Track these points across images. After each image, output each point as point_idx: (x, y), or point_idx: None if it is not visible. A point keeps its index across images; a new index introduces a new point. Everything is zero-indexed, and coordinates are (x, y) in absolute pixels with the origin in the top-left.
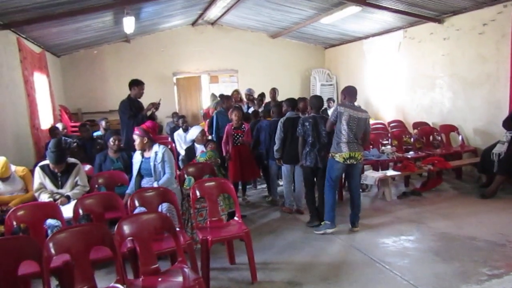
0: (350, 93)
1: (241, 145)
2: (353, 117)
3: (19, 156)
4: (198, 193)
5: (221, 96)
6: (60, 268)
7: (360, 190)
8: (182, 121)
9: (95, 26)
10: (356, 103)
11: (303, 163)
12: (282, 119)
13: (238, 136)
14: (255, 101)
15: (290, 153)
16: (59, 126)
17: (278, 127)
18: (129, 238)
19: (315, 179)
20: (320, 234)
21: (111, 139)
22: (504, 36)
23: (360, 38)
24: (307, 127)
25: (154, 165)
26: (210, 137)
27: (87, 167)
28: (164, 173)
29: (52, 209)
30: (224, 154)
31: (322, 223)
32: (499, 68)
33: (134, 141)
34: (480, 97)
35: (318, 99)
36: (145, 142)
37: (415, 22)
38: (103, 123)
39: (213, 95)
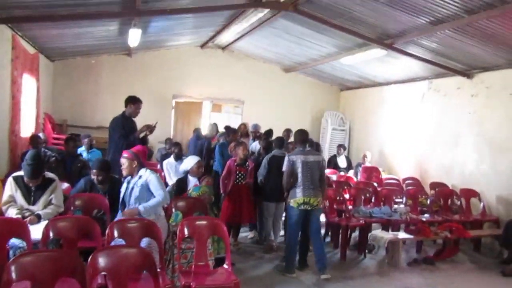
0: (301, 139)
1: (242, 184)
2: (305, 163)
3: None
4: (186, 231)
5: (227, 128)
6: None
7: (366, 251)
8: (177, 150)
9: (98, 34)
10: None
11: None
12: (268, 156)
13: (240, 174)
14: (262, 138)
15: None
16: (41, 136)
17: (263, 164)
18: (102, 273)
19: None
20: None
21: (92, 172)
22: None
23: (380, 84)
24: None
25: (133, 187)
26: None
27: (65, 185)
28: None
29: (19, 227)
30: (221, 191)
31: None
32: None
33: (120, 163)
34: (507, 163)
35: (301, 133)
36: (134, 166)
37: (441, 74)
38: (85, 141)
39: (215, 125)
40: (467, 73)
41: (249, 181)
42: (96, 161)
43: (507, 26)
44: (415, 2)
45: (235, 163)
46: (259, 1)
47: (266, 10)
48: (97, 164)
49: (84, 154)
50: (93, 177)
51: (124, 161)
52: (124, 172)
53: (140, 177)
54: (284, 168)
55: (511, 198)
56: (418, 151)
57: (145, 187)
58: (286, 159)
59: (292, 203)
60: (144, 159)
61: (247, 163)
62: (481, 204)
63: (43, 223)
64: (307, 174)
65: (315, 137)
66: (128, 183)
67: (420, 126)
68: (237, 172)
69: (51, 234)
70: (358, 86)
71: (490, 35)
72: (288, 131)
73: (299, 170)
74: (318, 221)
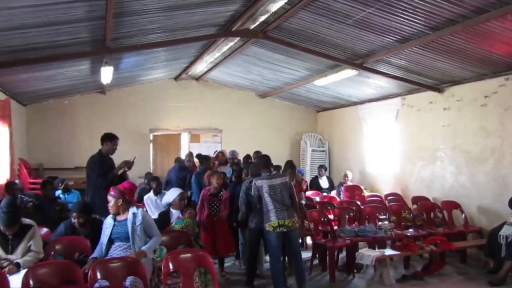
0: (263, 164)
1: (216, 216)
2: (272, 186)
3: None
4: (171, 265)
5: (199, 156)
6: None
7: (355, 271)
8: (156, 184)
9: (69, 74)
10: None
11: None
12: (246, 183)
13: (214, 204)
14: (240, 164)
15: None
16: (17, 182)
17: (242, 192)
18: None
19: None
20: None
21: (73, 216)
22: (507, 109)
23: (355, 103)
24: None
25: (133, 227)
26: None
27: (44, 230)
28: (143, 239)
29: None
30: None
31: None
32: (503, 143)
33: (99, 203)
34: (484, 173)
35: (263, 158)
36: (119, 204)
37: (413, 90)
38: (59, 184)
39: (191, 154)
40: (437, 88)
41: (223, 215)
42: (76, 204)
43: (470, 40)
44: (381, 22)
45: (209, 193)
46: (229, 30)
47: (237, 39)
48: (77, 207)
49: (62, 197)
50: (74, 220)
51: (110, 199)
52: (111, 211)
53: (134, 215)
54: (252, 192)
55: (492, 208)
56: (397, 167)
57: (141, 225)
58: (253, 183)
59: (268, 227)
60: (132, 196)
61: (221, 193)
62: (463, 216)
63: (23, 272)
64: (277, 197)
65: (295, 159)
66: (115, 220)
67: (398, 142)
68: (211, 203)
69: (31, 283)
70: (334, 107)
71: (456, 49)
72: (257, 153)
73: (266, 194)
74: (297, 241)
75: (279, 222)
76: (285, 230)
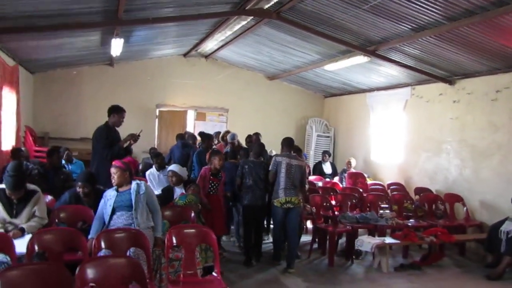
0: (287, 144)
1: (214, 195)
2: (289, 165)
3: None
4: (174, 240)
5: (201, 134)
6: None
7: (354, 257)
8: (159, 160)
9: (79, 44)
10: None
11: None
12: (241, 161)
13: (213, 184)
14: (241, 145)
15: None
16: (23, 149)
17: (240, 167)
18: (90, 285)
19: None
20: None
21: (78, 185)
22: None
23: (364, 91)
24: (246, 170)
25: (136, 195)
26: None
27: (48, 198)
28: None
29: (2, 242)
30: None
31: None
32: (511, 139)
33: (104, 174)
34: (490, 168)
35: (288, 140)
36: (126, 176)
37: (424, 81)
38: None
39: (193, 136)
40: (449, 80)
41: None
42: (81, 174)
43: (487, 33)
44: (398, 9)
45: (210, 172)
46: (242, 9)
47: (249, 18)
48: (83, 177)
49: (66, 167)
50: (79, 189)
51: (115, 171)
52: (116, 182)
53: (138, 185)
54: (270, 167)
55: (494, 203)
56: (402, 157)
57: (145, 196)
58: (273, 159)
59: (276, 203)
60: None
61: (220, 173)
62: (465, 209)
63: (27, 237)
64: (290, 175)
65: (300, 144)
66: (118, 191)
67: (404, 132)
68: (210, 182)
69: (36, 248)
70: (342, 93)
71: (471, 42)
72: (257, 134)
73: (283, 171)
74: (296, 218)
75: (286, 199)
76: (291, 206)
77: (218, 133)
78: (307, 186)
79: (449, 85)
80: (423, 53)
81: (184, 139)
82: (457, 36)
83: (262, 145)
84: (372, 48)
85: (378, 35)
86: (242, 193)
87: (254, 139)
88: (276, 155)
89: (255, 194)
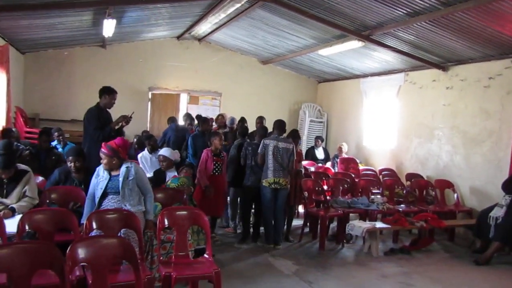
0: (278, 127)
1: (218, 175)
2: (277, 147)
3: None
4: (166, 221)
5: (198, 117)
6: None
7: (344, 241)
8: (152, 142)
9: (70, 25)
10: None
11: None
12: (246, 144)
13: (217, 164)
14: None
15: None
16: (14, 130)
17: (244, 148)
18: (81, 264)
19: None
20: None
21: (68, 159)
22: (510, 93)
23: (357, 76)
24: (249, 151)
25: (124, 181)
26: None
27: (39, 178)
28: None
29: None
30: (202, 184)
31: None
32: (502, 126)
33: (96, 156)
34: (480, 155)
35: (280, 122)
36: (113, 162)
37: (417, 67)
38: (55, 134)
39: (188, 115)
40: (442, 66)
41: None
42: (71, 149)
43: (482, 19)
44: None
45: (212, 153)
46: None
47: (244, 0)
48: (73, 151)
49: (59, 148)
50: (70, 164)
51: (103, 157)
52: (105, 167)
53: (127, 168)
54: (259, 150)
55: (484, 189)
56: (394, 143)
57: (134, 179)
58: (261, 142)
59: (265, 183)
60: (125, 153)
61: (222, 153)
62: (455, 195)
63: (18, 217)
64: (277, 158)
65: (294, 127)
66: (110, 175)
67: (397, 118)
68: (214, 163)
69: (26, 227)
70: (336, 78)
71: (466, 27)
72: (261, 118)
73: (270, 153)
74: (283, 199)
75: (275, 179)
76: (278, 187)
77: (219, 116)
78: (302, 170)
79: (443, 71)
80: (418, 38)
81: (177, 121)
82: (452, 21)
83: (266, 128)
84: (366, 33)
85: (373, 19)
86: (246, 175)
87: (258, 122)
88: (265, 138)
89: (257, 176)
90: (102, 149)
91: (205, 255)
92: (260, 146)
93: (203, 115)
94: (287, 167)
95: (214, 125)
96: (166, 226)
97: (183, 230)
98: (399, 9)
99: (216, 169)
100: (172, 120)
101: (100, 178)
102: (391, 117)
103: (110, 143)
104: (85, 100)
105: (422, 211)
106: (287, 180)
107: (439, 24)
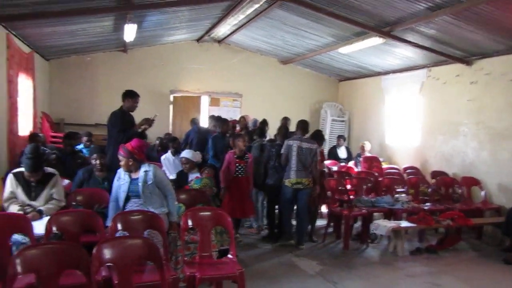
0: (302, 127)
1: (242, 177)
2: (300, 148)
3: None
4: (190, 222)
5: (218, 118)
6: None
7: (369, 240)
8: (175, 144)
9: (92, 30)
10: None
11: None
12: (267, 144)
13: (240, 167)
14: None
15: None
16: (40, 135)
17: (268, 150)
18: (107, 265)
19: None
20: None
21: (93, 157)
22: None
23: (379, 74)
24: (273, 152)
25: (143, 185)
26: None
27: (65, 181)
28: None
29: (21, 223)
30: (222, 184)
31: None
32: None
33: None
34: (508, 151)
35: (303, 123)
36: (130, 164)
37: (440, 62)
38: (84, 139)
39: (213, 117)
40: (466, 60)
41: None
42: (93, 148)
43: (505, 10)
44: None
45: (235, 155)
46: None
47: (263, 1)
48: (97, 149)
49: (85, 151)
50: (95, 162)
51: (120, 158)
52: (124, 169)
53: (146, 173)
54: (282, 151)
55: None
56: (418, 140)
57: (153, 183)
58: (285, 143)
59: (287, 183)
60: (142, 154)
61: (247, 155)
62: (482, 193)
63: (45, 219)
64: (301, 158)
65: (316, 127)
66: (131, 178)
67: (420, 114)
68: (237, 165)
69: (53, 229)
70: (356, 76)
71: (489, 20)
72: (285, 119)
73: (294, 153)
74: (306, 199)
75: (297, 180)
76: (301, 187)
77: (241, 118)
78: (325, 170)
79: (466, 65)
80: (440, 33)
81: (198, 123)
82: (475, 14)
83: (287, 129)
84: (387, 29)
85: (394, 15)
86: (269, 174)
87: (282, 123)
88: (288, 139)
89: (280, 175)
90: (119, 151)
91: (229, 255)
92: (283, 146)
93: (223, 117)
94: (309, 167)
95: (237, 127)
96: (190, 226)
97: (207, 230)
98: (420, 4)
99: (239, 171)
100: (195, 122)
101: (121, 180)
102: (414, 114)
103: (126, 145)
104: (108, 104)
105: (449, 209)
106: (310, 180)
107: (461, 17)
